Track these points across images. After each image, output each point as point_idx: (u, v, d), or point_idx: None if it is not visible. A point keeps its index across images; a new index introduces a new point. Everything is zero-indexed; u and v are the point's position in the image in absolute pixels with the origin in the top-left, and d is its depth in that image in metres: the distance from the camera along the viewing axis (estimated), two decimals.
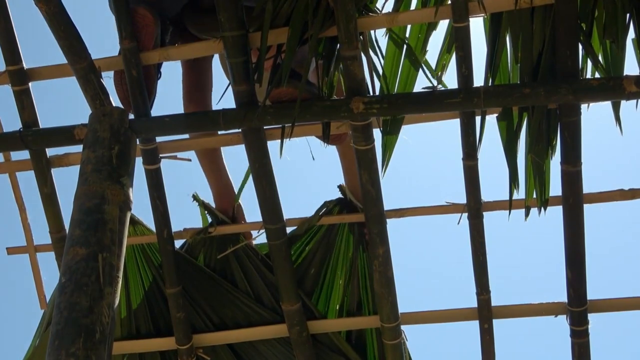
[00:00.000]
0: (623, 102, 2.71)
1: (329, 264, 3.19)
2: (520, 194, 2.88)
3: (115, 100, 2.79)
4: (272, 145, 2.83)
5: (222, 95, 2.80)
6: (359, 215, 3.03)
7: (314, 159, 2.87)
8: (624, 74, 2.68)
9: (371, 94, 2.70)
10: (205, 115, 2.70)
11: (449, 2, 2.56)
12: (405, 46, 2.73)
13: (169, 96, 3.11)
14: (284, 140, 2.76)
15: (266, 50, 2.63)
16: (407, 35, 2.75)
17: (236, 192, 3.16)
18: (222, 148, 3.16)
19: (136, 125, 2.68)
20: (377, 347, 3.22)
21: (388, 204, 2.93)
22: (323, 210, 3.07)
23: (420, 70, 2.75)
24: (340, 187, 3.09)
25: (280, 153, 2.72)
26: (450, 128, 2.88)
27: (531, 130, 2.75)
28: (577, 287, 2.93)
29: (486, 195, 2.93)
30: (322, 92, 2.69)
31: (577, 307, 2.95)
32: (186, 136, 2.95)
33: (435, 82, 2.72)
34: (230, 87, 2.69)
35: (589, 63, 2.69)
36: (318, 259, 3.18)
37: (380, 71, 2.75)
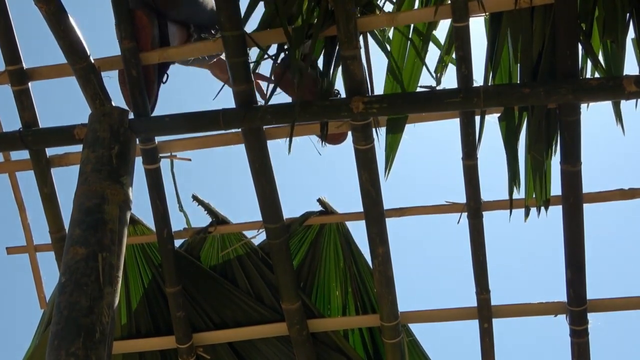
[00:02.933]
0: (623, 102, 2.71)
1: (320, 267, 3.20)
2: (520, 193, 2.89)
3: (115, 100, 2.79)
4: (272, 145, 2.84)
5: (219, 92, 2.81)
6: (349, 215, 3.05)
7: (321, 145, 2.85)
8: (624, 74, 2.68)
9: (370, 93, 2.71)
10: (205, 115, 2.70)
11: (449, 1, 2.56)
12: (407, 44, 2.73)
13: (168, 96, 3.11)
14: (284, 140, 2.76)
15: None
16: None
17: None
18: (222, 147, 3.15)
19: (136, 125, 2.68)
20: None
21: (388, 204, 2.94)
22: (304, 220, 3.07)
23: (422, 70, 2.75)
24: (319, 200, 3.09)
25: (289, 150, 2.73)
26: (450, 128, 2.88)
27: (531, 130, 2.75)
28: (577, 287, 2.93)
29: (486, 195, 2.94)
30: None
31: (577, 306, 2.95)
32: (186, 136, 2.95)
33: (435, 82, 2.72)
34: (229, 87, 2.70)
35: (589, 63, 2.69)
36: (309, 261, 3.19)
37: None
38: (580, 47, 2.59)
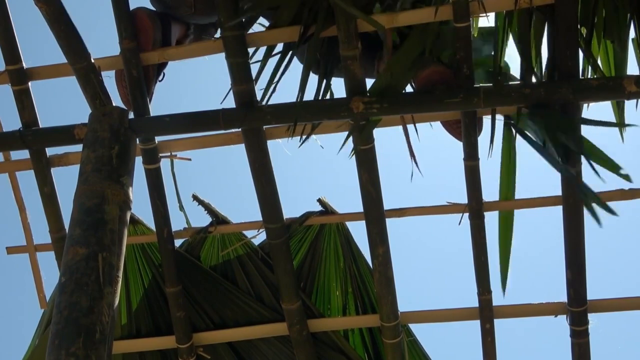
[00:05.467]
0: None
1: (320, 267, 3.20)
2: (520, 193, 2.89)
3: (115, 100, 2.79)
4: (272, 145, 2.84)
5: (225, 96, 2.81)
6: (349, 215, 3.04)
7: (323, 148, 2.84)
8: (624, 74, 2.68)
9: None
10: (205, 115, 2.70)
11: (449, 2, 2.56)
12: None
13: (168, 96, 3.11)
14: (284, 140, 2.76)
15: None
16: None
17: None
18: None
19: (136, 125, 2.68)
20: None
21: (388, 204, 2.94)
22: (304, 220, 3.06)
23: None
24: (319, 200, 3.09)
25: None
26: None
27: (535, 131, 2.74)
28: (577, 287, 2.93)
29: (487, 196, 2.94)
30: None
31: (577, 307, 2.95)
32: (186, 136, 2.94)
33: None
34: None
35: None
36: (309, 261, 3.19)
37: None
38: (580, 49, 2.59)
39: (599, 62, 2.65)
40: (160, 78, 2.89)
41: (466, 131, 2.74)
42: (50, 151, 2.92)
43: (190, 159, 2.99)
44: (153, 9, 2.87)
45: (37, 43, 3.22)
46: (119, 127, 2.58)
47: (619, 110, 2.74)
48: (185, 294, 3.16)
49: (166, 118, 2.73)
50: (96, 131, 2.57)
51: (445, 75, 2.64)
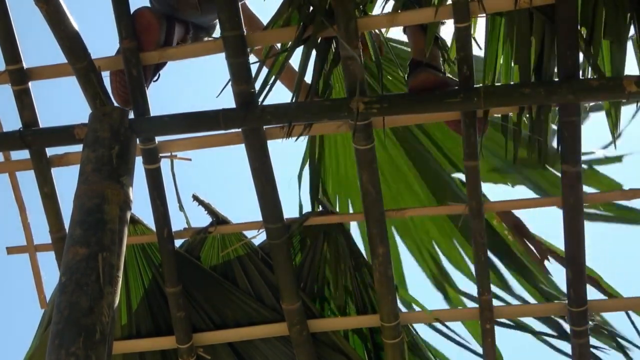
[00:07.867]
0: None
1: (320, 267, 3.20)
2: (520, 193, 2.89)
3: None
4: (273, 145, 2.84)
5: (222, 90, 2.81)
6: (349, 215, 3.05)
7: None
8: (625, 74, 2.67)
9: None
10: (205, 115, 2.70)
11: (449, 2, 2.56)
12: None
13: (169, 96, 3.11)
14: (284, 140, 2.76)
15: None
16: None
17: None
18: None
19: (136, 125, 2.68)
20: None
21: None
22: (304, 220, 3.06)
23: None
24: (319, 200, 3.08)
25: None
26: None
27: (535, 130, 2.74)
28: (577, 287, 2.93)
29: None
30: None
31: (577, 307, 2.95)
32: (186, 136, 2.95)
33: None
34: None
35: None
36: (309, 261, 3.19)
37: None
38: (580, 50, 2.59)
39: (599, 62, 2.64)
40: (155, 78, 2.88)
41: (466, 131, 2.74)
42: (50, 151, 2.92)
43: (190, 159, 2.99)
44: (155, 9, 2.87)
45: (37, 43, 3.22)
46: (119, 127, 2.58)
47: (616, 113, 2.73)
48: (185, 294, 3.16)
49: (166, 118, 2.73)
50: (96, 131, 2.57)
51: (438, 82, 2.64)
